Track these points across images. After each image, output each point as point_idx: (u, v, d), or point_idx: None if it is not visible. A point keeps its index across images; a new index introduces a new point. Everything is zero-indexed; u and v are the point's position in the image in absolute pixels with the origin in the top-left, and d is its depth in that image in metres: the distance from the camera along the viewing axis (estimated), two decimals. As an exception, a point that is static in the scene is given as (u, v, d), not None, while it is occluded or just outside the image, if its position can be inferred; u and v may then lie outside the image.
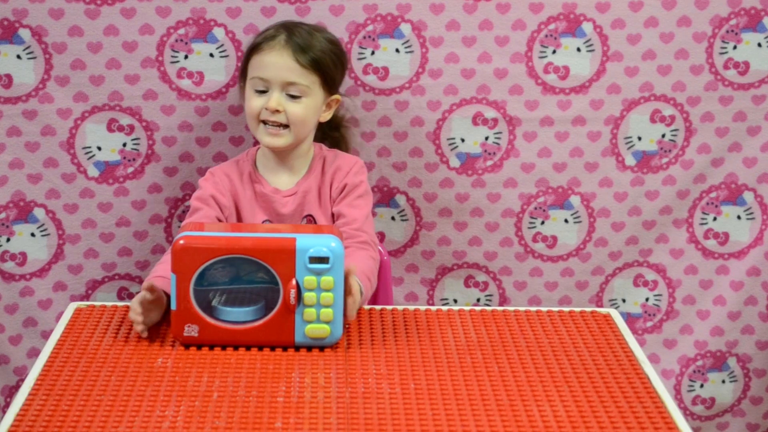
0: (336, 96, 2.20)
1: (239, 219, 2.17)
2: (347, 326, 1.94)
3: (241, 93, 2.21)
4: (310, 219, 2.17)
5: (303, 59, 2.11)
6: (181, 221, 2.42)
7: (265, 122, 2.13)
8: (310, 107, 2.13)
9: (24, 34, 2.27)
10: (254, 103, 2.12)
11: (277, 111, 2.11)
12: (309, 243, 1.82)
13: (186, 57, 2.33)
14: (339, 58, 2.20)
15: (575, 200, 2.47)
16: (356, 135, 2.38)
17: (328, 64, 2.15)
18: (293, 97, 2.11)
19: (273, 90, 2.11)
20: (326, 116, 2.21)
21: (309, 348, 1.87)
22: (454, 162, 2.43)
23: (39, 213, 2.37)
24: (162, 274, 1.94)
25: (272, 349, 1.87)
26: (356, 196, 2.16)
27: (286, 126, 2.12)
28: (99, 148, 2.36)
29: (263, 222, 2.17)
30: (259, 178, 2.19)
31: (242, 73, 2.19)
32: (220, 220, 2.14)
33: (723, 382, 2.60)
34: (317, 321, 1.85)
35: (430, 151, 2.42)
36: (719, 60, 2.42)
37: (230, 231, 1.90)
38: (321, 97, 2.16)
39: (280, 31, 2.15)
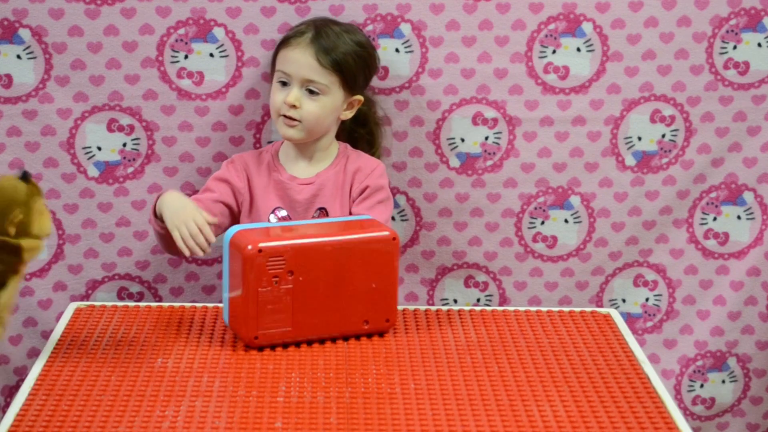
0: (358, 96, 2.23)
1: (252, 204, 2.23)
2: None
3: (271, 82, 2.25)
4: (323, 211, 2.19)
5: (324, 59, 2.16)
6: (181, 221, 2.42)
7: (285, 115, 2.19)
8: (327, 106, 2.18)
9: (24, 34, 2.27)
10: (276, 96, 2.19)
11: (294, 106, 2.16)
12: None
13: (186, 57, 2.33)
14: (365, 60, 2.22)
15: (575, 200, 2.47)
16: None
17: (350, 65, 2.18)
18: (312, 92, 2.16)
19: (293, 85, 2.17)
20: (347, 115, 2.24)
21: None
22: (454, 162, 2.43)
23: (39, 213, 2.37)
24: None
25: (272, 348, 1.87)
26: (377, 201, 2.20)
27: (300, 120, 2.18)
28: (99, 148, 2.36)
29: (274, 209, 2.22)
30: (278, 167, 2.24)
31: (272, 63, 2.24)
32: (225, 204, 2.21)
33: (723, 382, 2.59)
34: None
35: (430, 151, 2.42)
36: (719, 60, 2.41)
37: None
38: (341, 97, 2.19)
39: (309, 28, 2.20)
